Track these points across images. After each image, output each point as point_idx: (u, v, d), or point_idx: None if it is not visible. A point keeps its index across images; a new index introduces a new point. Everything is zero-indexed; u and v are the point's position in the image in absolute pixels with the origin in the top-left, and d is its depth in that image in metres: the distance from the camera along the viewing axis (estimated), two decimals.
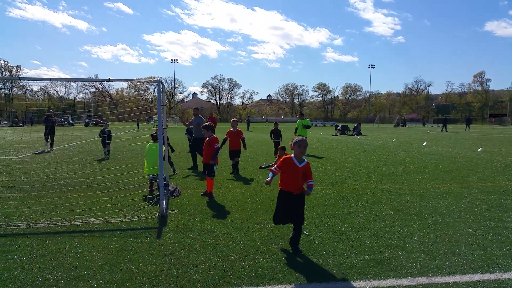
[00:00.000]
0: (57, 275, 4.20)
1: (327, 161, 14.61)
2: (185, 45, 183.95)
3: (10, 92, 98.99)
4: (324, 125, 79.39)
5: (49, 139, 18.77)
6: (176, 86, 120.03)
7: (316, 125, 78.25)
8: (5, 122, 54.74)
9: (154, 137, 8.85)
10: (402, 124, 73.80)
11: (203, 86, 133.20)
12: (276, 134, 16.50)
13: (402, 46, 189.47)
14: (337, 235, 5.72)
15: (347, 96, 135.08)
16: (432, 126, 75.70)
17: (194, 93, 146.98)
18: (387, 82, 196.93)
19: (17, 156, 15.63)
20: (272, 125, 17.12)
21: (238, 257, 4.80)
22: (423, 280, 4.22)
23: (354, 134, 36.93)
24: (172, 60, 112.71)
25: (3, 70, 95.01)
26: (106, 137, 15.68)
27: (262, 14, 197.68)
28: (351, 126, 42.48)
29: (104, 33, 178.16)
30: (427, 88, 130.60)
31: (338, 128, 40.19)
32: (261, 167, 12.53)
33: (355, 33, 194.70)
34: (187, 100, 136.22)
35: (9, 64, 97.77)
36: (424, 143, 24.15)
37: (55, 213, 6.67)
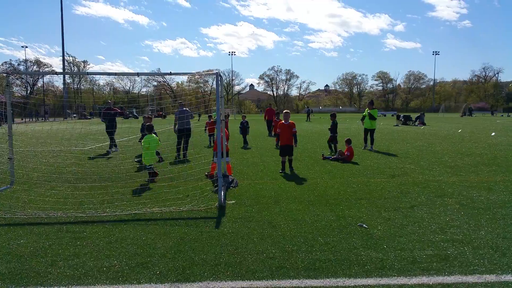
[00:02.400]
0: (122, 261, 4.45)
1: (388, 153, 14.08)
2: (241, 37, 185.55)
3: (78, 86, 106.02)
4: (385, 115, 76.39)
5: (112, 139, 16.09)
6: (233, 78, 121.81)
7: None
8: (74, 115, 58.79)
9: (149, 129, 9.52)
10: (469, 114, 69.06)
11: (260, 78, 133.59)
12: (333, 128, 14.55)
13: (468, 31, 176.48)
14: (398, 229, 5.49)
15: (410, 84, 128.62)
16: (502, 116, 70.09)
17: (251, 85, 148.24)
18: (453, 69, 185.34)
19: (85, 147, 16.77)
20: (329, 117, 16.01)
21: (295, 248, 4.78)
22: (491, 278, 3.93)
23: (417, 124, 35.20)
24: (229, 52, 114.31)
25: (72, 65, 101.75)
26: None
27: (318, 2, 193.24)
28: (414, 115, 40.49)
29: (164, 28, 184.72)
30: (496, 75, 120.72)
31: (400, 118, 38.54)
32: (324, 157, 12.41)
33: (418, 18, 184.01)
34: (244, 91, 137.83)
35: (77, 60, 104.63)
36: (493, 133, 22.44)
37: (121, 202, 7.07)
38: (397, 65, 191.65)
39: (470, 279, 3.91)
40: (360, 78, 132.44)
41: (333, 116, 14.67)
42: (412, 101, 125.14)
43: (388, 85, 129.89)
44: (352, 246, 4.84)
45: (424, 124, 34.71)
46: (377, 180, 9.02)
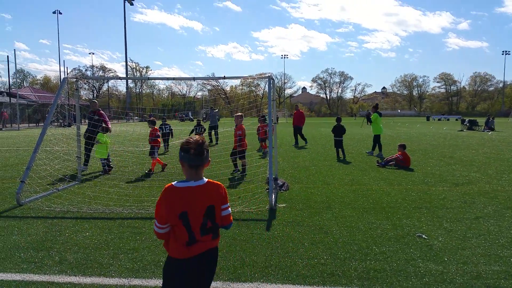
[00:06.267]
0: None
1: (451, 160, 13.31)
2: (292, 39, 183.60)
3: (140, 91, 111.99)
4: (448, 119, 72.32)
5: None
6: (285, 81, 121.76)
7: (439, 119, 71.93)
8: (136, 117, 61.78)
9: (105, 129, 10.55)
10: None
11: (313, 81, 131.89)
12: (338, 131, 13.84)
13: None
14: (461, 241, 5.17)
15: (476, 86, 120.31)
16: None
17: (304, 88, 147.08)
18: None
19: (145, 148, 17.56)
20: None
21: (348, 256, 4.67)
22: None
23: (484, 129, 32.96)
24: (282, 55, 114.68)
25: (135, 70, 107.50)
26: (165, 133, 16.56)
27: (373, 1, 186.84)
28: (480, 120, 37.94)
29: (216, 33, 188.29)
30: None
31: (465, 122, 36.30)
32: (379, 163, 11.98)
33: (483, 15, 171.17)
34: (296, 94, 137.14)
35: (139, 66, 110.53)
36: None
37: None
38: (461, 66, 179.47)
39: None
40: (421, 80, 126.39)
41: (338, 120, 14.37)
42: (478, 104, 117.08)
43: (452, 87, 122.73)
44: (409, 257, 4.63)
45: (492, 129, 32.39)
46: (439, 188, 8.56)
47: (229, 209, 2.74)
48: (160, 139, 11.37)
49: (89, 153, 11.02)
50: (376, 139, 14.71)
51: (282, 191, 8.22)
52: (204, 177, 2.65)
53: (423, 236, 5.35)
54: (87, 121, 11.70)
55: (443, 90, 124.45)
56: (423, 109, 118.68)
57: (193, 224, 2.53)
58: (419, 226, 5.84)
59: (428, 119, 68.80)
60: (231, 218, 2.77)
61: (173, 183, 2.59)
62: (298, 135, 18.94)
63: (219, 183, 2.73)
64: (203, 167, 2.62)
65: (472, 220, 6.12)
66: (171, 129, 17.50)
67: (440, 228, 5.73)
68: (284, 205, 7.08)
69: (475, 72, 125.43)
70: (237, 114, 11.04)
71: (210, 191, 2.63)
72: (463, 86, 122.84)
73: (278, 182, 8.42)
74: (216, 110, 21.06)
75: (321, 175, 10.33)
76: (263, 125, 14.56)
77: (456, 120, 64.95)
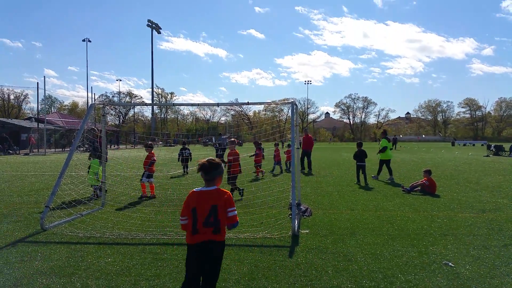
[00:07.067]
0: None
1: (478, 186, 12.91)
2: (315, 65, 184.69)
3: (165, 116, 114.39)
4: (474, 145, 70.55)
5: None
6: (308, 106, 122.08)
7: (464, 145, 70.24)
8: (160, 142, 62.79)
9: (93, 155, 10.61)
10: None
11: (336, 106, 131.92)
12: (360, 156, 13.90)
13: None
14: (490, 269, 4.96)
15: (501, 112, 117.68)
16: None
17: (327, 113, 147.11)
18: None
19: (169, 173, 17.78)
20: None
21: (373, 284, 4.53)
22: None
23: (510, 155, 31.93)
24: (305, 81, 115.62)
25: (160, 96, 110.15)
26: (184, 158, 17.40)
27: (396, 28, 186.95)
28: (506, 145, 36.81)
29: (240, 59, 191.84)
30: None
31: (491, 148, 35.31)
32: (404, 189, 11.71)
33: (508, 41, 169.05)
34: (319, 120, 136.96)
35: (165, 92, 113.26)
36: None
37: None
38: (485, 91, 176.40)
39: None
40: (445, 105, 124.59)
41: (359, 145, 14.58)
42: (504, 130, 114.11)
43: (477, 112, 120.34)
44: (436, 285, 4.47)
45: None
46: (465, 215, 8.29)
47: (235, 211, 3.57)
48: (154, 166, 11.35)
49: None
50: (383, 163, 14.99)
51: (305, 216, 8.12)
52: (216, 186, 3.59)
53: (450, 264, 5.16)
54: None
55: (467, 116, 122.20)
56: (448, 134, 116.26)
57: (199, 217, 3.45)
58: (446, 253, 5.65)
59: (453, 144, 67.35)
60: (237, 219, 3.59)
61: (194, 189, 3.60)
62: (306, 160, 18.39)
63: (225, 190, 3.62)
64: (214, 180, 3.58)
65: (501, 248, 5.88)
66: (190, 153, 18.11)
67: (468, 256, 5.52)
68: (307, 231, 6.98)
69: (501, 97, 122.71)
70: (231, 139, 11.21)
71: (215, 195, 3.54)
72: (488, 111, 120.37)
73: (301, 207, 8.33)
74: (225, 137, 21.91)
75: (344, 200, 10.17)
76: (258, 151, 15.98)
77: (482, 145, 63.26)
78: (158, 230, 7.11)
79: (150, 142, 11.83)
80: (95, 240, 6.53)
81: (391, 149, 15.73)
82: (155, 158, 11.42)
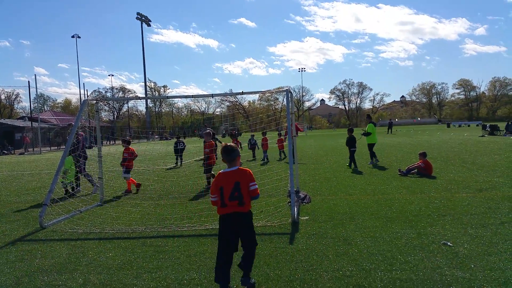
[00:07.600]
0: (201, 275, 4.60)
1: (474, 165, 12.99)
2: (308, 52, 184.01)
3: (159, 110, 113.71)
4: (469, 125, 70.85)
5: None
6: (303, 94, 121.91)
7: (459, 126, 70.56)
8: (156, 136, 62.62)
9: (72, 151, 10.11)
10: None
11: (331, 92, 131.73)
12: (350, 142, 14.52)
13: None
14: (487, 247, 5.02)
15: (495, 91, 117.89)
16: None
17: (322, 100, 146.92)
18: None
19: (166, 166, 17.76)
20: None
21: (373, 267, 4.58)
22: None
23: (505, 134, 32.13)
24: (299, 69, 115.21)
25: (153, 90, 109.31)
26: (178, 149, 18.22)
27: (387, 10, 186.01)
28: (501, 125, 37.02)
29: (233, 49, 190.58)
30: None
31: (486, 128, 35.50)
32: (401, 172, 11.78)
33: (500, 19, 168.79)
34: (315, 107, 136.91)
35: (157, 85, 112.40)
36: None
37: (199, 218, 7.34)
38: (479, 72, 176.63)
39: None
40: (439, 87, 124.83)
41: (350, 131, 14.80)
42: (499, 109, 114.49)
43: (471, 93, 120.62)
44: (435, 265, 4.52)
45: None
46: (462, 195, 8.36)
47: (256, 185, 4.20)
48: (133, 162, 11.27)
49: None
50: (370, 147, 15.07)
51: (304, 203, 8.16)
52: (237, 166, 4.24)
53: (448, 243, 5.21)
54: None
55: (462, 97, 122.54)
56: (443, 116, 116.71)
57: (225, 193, 4.09)
58: (444, 233, 5.70)
59: (448, 126, 67.62)
60: (258, 191, 4.22)
61: (220, 171, 4.25)
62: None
63: (246, 169, 4.24)
64: (235, 160, 4.22)
65: (498, 226, 5.94)
66: (185, 146, 18.96)
67: (465, 235, 5.57)
68: (306, 217, 7.01)
69: (494, 77, 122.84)
70: (206, 131, 11.31)
71: (238, 173, 4.18)
72: (483, 92, 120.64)
73: (299, 194, 8.37)
74: (208, 129, 21.84)
75: (342, 186, 10.22)
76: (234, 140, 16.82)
77: (477, 126, 63.58)
78: (158, 223, 7.13)
79: (128, 138, 11.70)
80: (95, 236, 6.53)
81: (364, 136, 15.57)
82: (136, 153, 11.33)
